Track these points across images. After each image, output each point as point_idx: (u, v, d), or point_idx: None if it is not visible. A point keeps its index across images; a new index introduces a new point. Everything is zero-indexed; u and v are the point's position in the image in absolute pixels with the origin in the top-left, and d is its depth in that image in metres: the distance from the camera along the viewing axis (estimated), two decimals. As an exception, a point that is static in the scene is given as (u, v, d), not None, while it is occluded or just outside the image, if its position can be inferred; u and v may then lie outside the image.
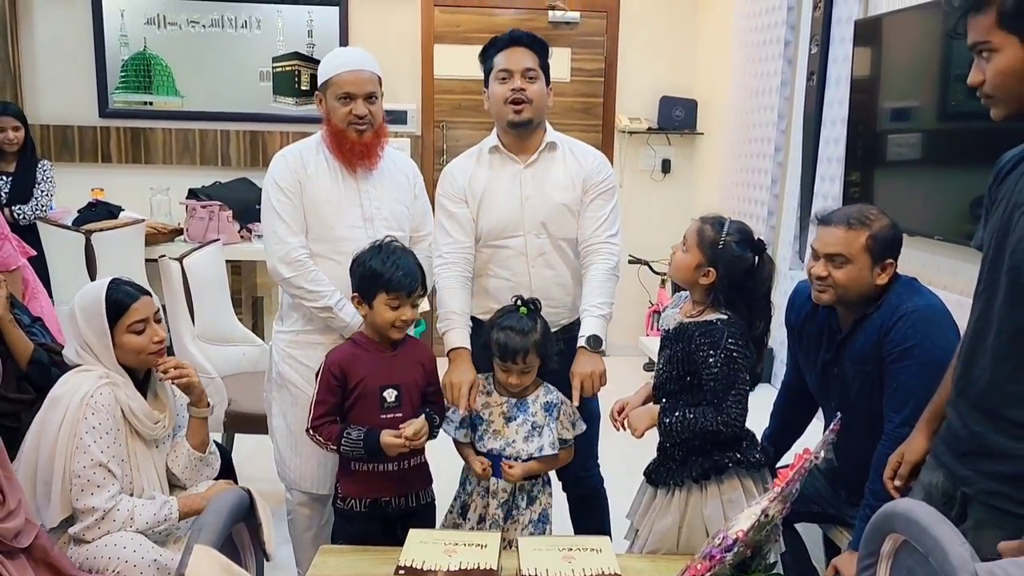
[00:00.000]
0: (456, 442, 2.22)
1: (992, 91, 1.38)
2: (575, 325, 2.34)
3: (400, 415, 2.10)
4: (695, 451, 1.96)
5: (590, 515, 2.50)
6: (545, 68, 2.34)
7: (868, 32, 3.01)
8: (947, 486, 1.53)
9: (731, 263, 1.93)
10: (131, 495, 1.93)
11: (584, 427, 2.21)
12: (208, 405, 2.08)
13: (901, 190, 2.83)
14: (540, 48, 2.33)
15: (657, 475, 2.04)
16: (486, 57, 2.35)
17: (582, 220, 2.33)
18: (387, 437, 2.03)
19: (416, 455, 2.18)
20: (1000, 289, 1.42)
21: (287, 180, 2.33)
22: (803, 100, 3.54)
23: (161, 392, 2.07)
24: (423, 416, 2.09)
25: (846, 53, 3.15)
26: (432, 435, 2.15)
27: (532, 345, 2.09)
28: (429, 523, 2.23)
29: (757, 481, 1.98)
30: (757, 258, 1.96)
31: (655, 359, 2.16)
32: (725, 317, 1.94)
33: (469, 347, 2.24)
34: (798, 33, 3.65)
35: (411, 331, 2.29)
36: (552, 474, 2.26)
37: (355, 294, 2.13)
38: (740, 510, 1.85)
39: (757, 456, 1.97)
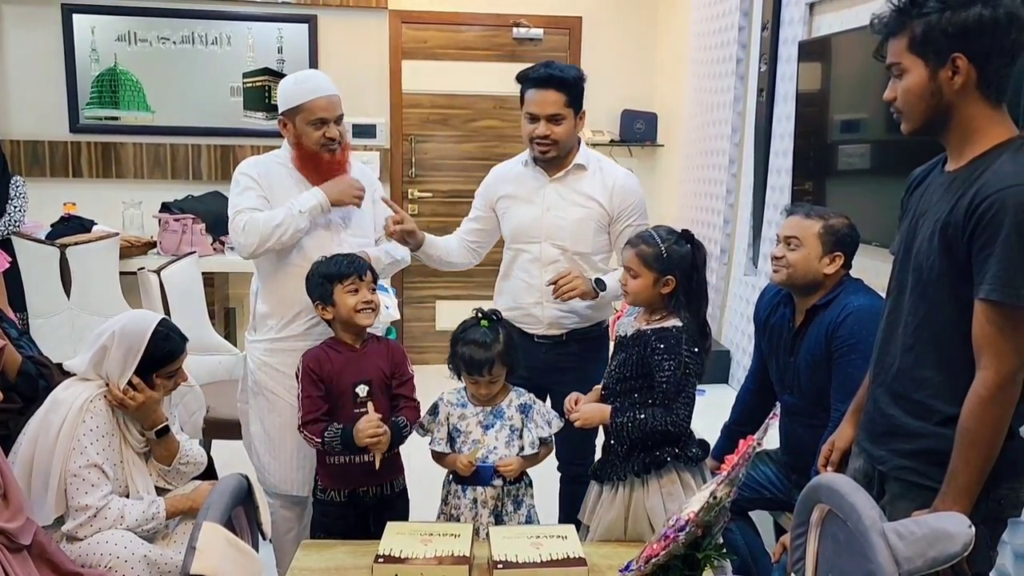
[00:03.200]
0: (435, 454, 2.30)
1: (901, 107, 1.56)
2: (589, 331, 2.54)
3: (367, 410, 2.20)
4: (636, 448, 2.11)
5: (577, 502, 2.63)
6: (575, 101, 2.47)
7: (811, 52, 3.20)
8: (866, 468, 1.70)
9: (681, 263, 2.09)
10: (125, 496, 2.03)
11: (561, 424, 2.30)
12: (152, 428, 2.11)
13: (847, 200, 3.01)
14: (569, 87, 2.45)
15: (602, 472, 2.18)
16: (521, 84, 2.52)
17: (617, 242, 2.50)
18: (357, 432, 2.13)
19: (391, 447, 2.27)
20: (907, 286, 1.60)
21: (255, 173, 2.42)
22: (754, 115, 3.73)
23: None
24: (378, 419, 2.16)
25: (792, 72, 3.34)
26: (400, 439, 2.23)
27: (496, 356, 2.20)
28: (403, 511, 2.36)
29: (695, 474, 2.13)
30: (691, 246, 2.13)
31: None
32: (681, 324, 2.09)
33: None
34: (749, 52, 3.84)
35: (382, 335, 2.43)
36: (533, 471, 2.33)
37: (317, 303, 2.26)
38: (678, 502, 2.02)
39: (694, 451, 2.13)
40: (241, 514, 1.53)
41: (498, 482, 2.22)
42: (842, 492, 1.26)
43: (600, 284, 2.44)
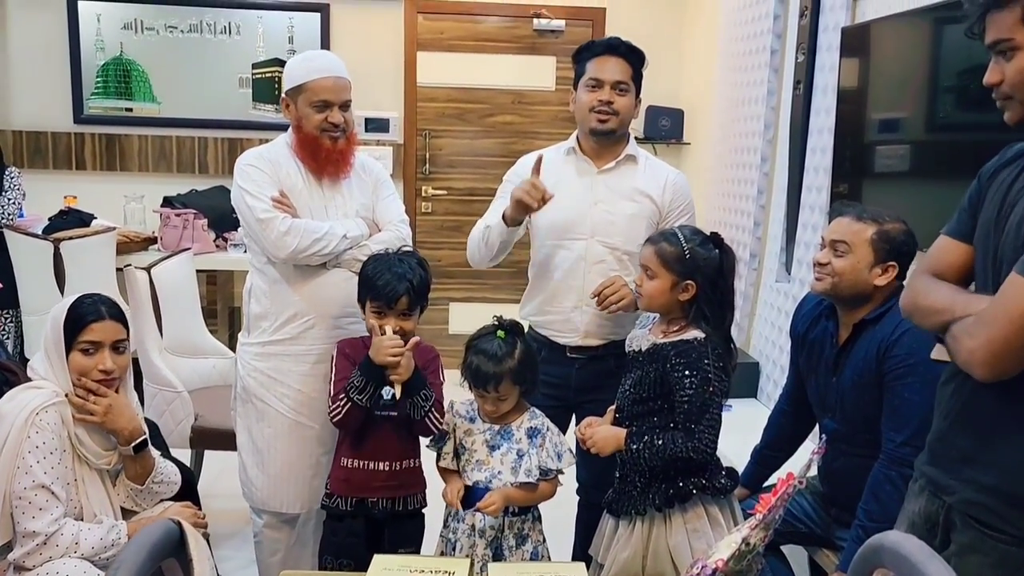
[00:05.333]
0: (440, 470, 2.12)
1: (1012, 91, 1.30)
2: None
3: (395, 413, 2.08)
4: (657, 478, 1.87)
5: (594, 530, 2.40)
6: (638, 78, 2.30)
7: (855, 40, 2.94)
8: (929, 508, 1.44)
9: (705, 267, 1.87)
10: (79, 519, 1.82)
11: (574, 460, 2.08)
12: (129, 443, 1.90)
13: (889, 202, 2.76)
14: (636, 59, 2.29)
15: (618, 504, 1.94)
16: (579, 60, 2.32)
17: None
18: (376, 345, 2.02)
19: (410, 458, 2.16)
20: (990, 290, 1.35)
21: (265, 165, 2.24)
22: (789, 109, 3.47)
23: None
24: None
25: (833, 62, 3.09)
26: (420, 409, 2.07)
27: (506, 372, 1.98)
28: (417, 534, 2.19)
29: (723, 507, 1.89)
30: (719, 251, 1.91)
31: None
32: (703, 336, 1.86)
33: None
34: (784, 42, 3.59)
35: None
36: (549, 503, 2.09)
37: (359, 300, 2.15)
38: (705, 539, 1.77)
39: (723, 482, 1.89)
40: (175, 567, 1.32)
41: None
42: (913, 560, 1.01)
43: None
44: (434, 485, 2.21)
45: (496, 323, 2.07)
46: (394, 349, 2.01)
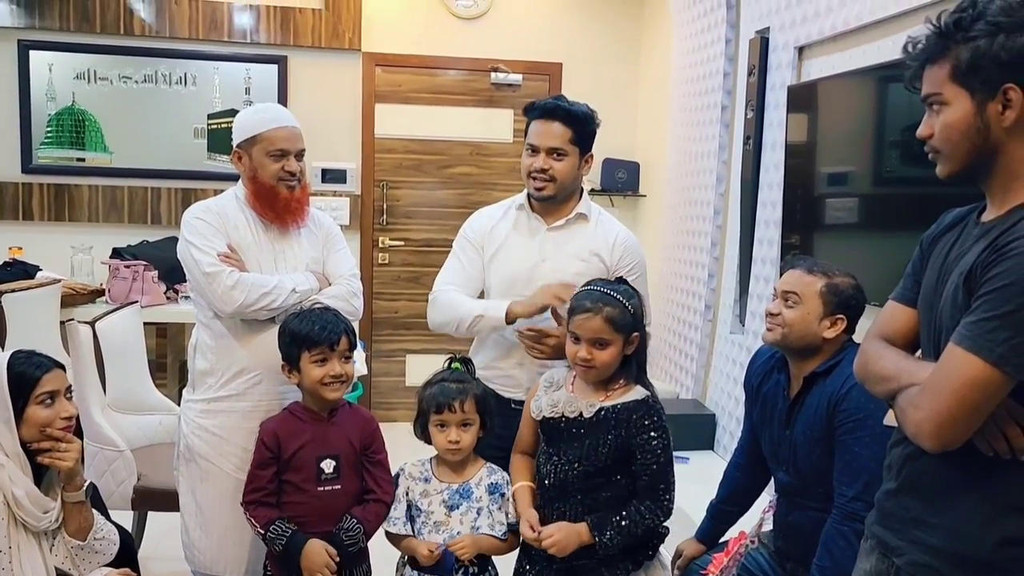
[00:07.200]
0: (390, 536, 2.03)
1: (939, 145, 1.33)
2: None
3: (339, 487, 2.03)
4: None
5: None
6: (582, 140, 2.25)
7: (801, 98, 3.03)
8: (880, 568, 1.43)
9: (638, 314, 1.89)
10: (9, 590, 1.73)
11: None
12: (80, 488, 1.87)
13: (838, 253, 2.82)
14: (576, 122, 2.24)
15: None
16: (527, 116, 2.31)
17: None
18: (310, 553, 1.95)
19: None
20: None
21: (213, 218, 2.20)
22: (740, 164, 3.54)
23: (57, 481, 1.89)
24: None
25: (780, 119, 3.17)
26: (350, 547, 2.01)
27: (470, 393, 1.95)
28: None
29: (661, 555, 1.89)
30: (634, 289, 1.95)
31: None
32: (648, 392, 1.85)
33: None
34: (734, 98, 3.68)
35: (348, 396, 2.17)
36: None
37: (284, 364, 2.08)
38: None
39: (665, 526, 1.89)
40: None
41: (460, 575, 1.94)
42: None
43: None
44: (379, 552, 2.14)
45: (452, 357, 2.08)
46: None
